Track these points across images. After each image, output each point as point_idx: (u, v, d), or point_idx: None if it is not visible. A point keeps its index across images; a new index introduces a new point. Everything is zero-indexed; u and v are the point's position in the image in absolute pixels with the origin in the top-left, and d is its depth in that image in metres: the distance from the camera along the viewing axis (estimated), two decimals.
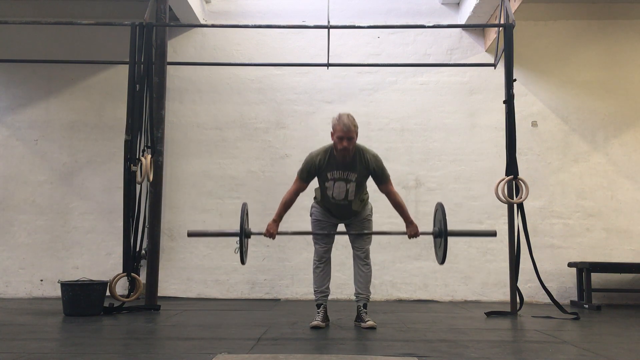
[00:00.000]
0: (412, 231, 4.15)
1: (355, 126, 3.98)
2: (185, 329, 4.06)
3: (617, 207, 6.36)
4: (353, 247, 4.25)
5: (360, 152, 4.07)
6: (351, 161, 4.04)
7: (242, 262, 4.07)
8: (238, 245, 3.99)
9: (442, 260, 4.11)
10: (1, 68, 6.71)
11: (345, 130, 3.91)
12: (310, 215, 4.33)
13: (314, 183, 4.20)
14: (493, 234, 4.42)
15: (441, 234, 4.05)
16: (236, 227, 4.01)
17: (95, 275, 5.93)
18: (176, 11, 6.32)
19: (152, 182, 5.25)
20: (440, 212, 4.10)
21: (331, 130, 4.03)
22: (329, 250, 4.24)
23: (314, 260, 4.25)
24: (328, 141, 6.50)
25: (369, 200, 4.34)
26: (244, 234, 4.00)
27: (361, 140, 6.39)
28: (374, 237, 4.34)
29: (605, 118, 6.49)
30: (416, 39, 6.68)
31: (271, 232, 4.08)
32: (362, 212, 4.25)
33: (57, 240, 6.48)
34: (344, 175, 4.05)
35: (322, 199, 4.20)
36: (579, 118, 6.50)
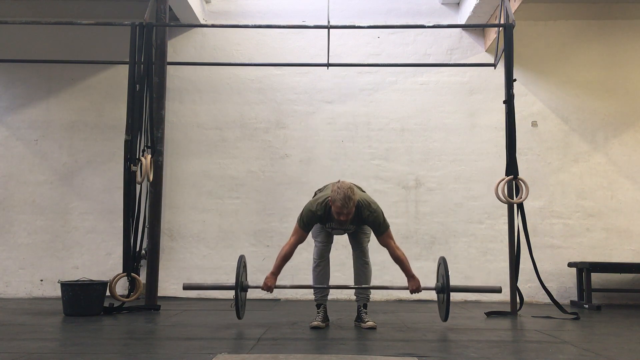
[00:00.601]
0: (414, 286, 4.08)
1: (354, 202, 3.84)
2: (185, 329, 4.05)
3: (617, 207, 6.36)
4: (352, 247, 4.25)
5: (359, 210, 3.98)
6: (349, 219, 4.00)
7: (238, 317, 4.05)
8: (234, 301, 3.96)
9: (445, 317, 4.07)
10: (1, 68, 6.71)
11: (342, 210, 3.83)
12: None
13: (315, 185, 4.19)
14: (498, 290, 4.29)
15: (444, 290, 4.03)
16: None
17: (95, 275, 5.93)
18: (176, 11, 6.32)
19: (152, 182, 5.25)
20: (442, 267, 4.08)
21: (329, 197, 3.92)
22: (329, 249, 4.24)
23: (313, 259, 4.25)
24: (328, 141, 6.53)
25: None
26: (240, 288, 3.98)
27: (361, 140, 6.49)
28: (373, 237, 4.34)
29: (605, 118, 6.49)
30: (416, 39, 6.68)
31: (269, 286, 4.03)
32: None
33: (57, 240, 6.48)
34: (342, 227, 4.08)
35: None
36: (579, 118, 6.50)
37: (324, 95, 6.61)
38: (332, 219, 4.01)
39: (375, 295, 5.61)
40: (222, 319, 4.66)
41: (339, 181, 3.97)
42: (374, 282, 4.38)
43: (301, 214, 4.07)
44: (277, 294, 6.29)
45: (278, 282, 4.08)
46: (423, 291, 6.24)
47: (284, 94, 6.63)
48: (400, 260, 4.06)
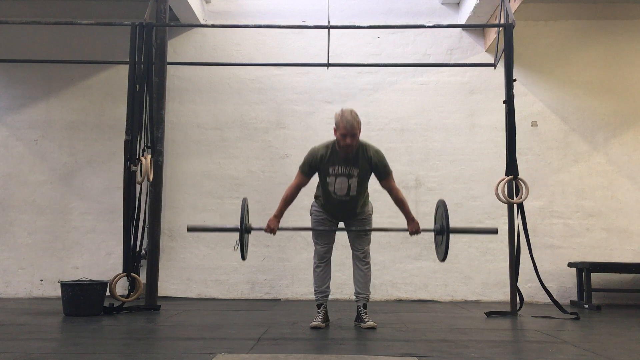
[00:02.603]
0: (414, 228, 4.12)
1: (359, 122, 3.95)
2: (185, 329, 4.06)
3: (617, 207, 6.36)
4: (352, 248, 4.25)
5: (363, 148, 4.05)
6: (353, 157, 4.03)
7: (243, 257, 4.06)
8: (238, 241, 3.98)
9: (443, 257, 4.10)
10: (1, 68, 6.71)
11: (348, 128, 3.89)
12: (310, 215, 4.31)
13: (315, 179, 4.18)
14: (494, 231, 4.42)
15: (443, 231, 4.04)
16: (237, 224, 3.99)
17: (95, 275, 5.93)
18: (176, 11, 6.32)
19: (152, 182, 5.25)
20: (442, 209, 4.09)
21: (334, 126, 3.99)
22: (329, 251, 4.23)
23: (314, 260, 4.24)
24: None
25: (369, 200, 4.32)
26: (244, 229, 3.99)
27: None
28: (373, 237, 4.34)
29: (605, 118, 6.49)
30: (416, 39, 6.68)
31: (272, 228, 4.06)
32: (362, 212, 4.24)
33: (57, 240, 6.48)
34: (346, 171, 4.03)
35: (324, 196, 4.18)
36: (579, 118, 6.50)
37: (324, 95, 6.62)
38: (335, 160, 4.02)
39: (375, 295, 5.62)
40: (222, 319, 4.67)
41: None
42: (373, 282, 4.37)
43: (303, 160, 4.11)
44: (277, 294, 6.30)
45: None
46: (423, 291, 6.32)
47: (284, 94, 6.63)
48: (401, 203, 4.14)
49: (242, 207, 4.03)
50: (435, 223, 4.23)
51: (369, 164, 4.06)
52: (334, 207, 4.18)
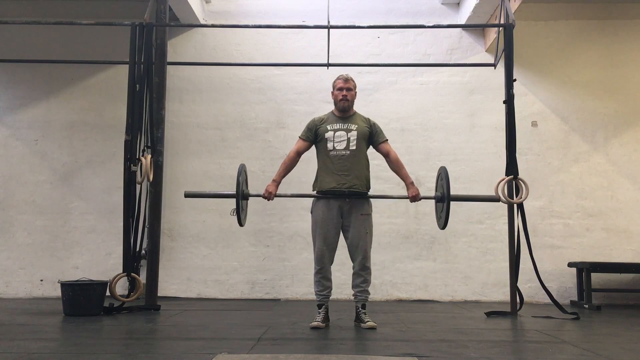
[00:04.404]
0: (413, 193, 4.18)
1: (354, 81, 4.26)
2: (185, 329, 4.06)
3: (617, 207, 6.36)
4: (353, 253, 4.16)
5: (359, 114, 4.30)
6: (350, 117, 4.22)
7: (240, 224, 4.14)
8: (235, 208, 4.00)
9: (443, 225, 4.18)
10: (1, 68, 6.71)
11: (344, 80, 4.20)
12: (311, 213, 4.28)
13: (313, 175, 4.16)
14: (496, 199, 4.56)
15: (443, 199, 4.06)
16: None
17: (95, 275, 5.94)
18: (176, 11, 6.32)
19: (152, 182, 5.25)
20: (443, 176, 4.13)
21: (331, 90, 4.27)
22: (331, 255, 4.15)
23: (315, 266, 4.19)
24: None
25: (369, 200, 4.30)
26: (240, 196, 4.01)
27: None
28: (373, 237, 4.32)
29: (605, 118, 6.49)
30: (416, 39, 6.68)
31: (270, 192, 4.12)
32: (362, 205, 4.16)
33: (57, 240, 6.48)
34: (344, 126, 4.17)
35: (324, 166, 4.15)
36: (579, 118, 6.50)
37: (324, 95, 6.57)
38: (333, 120, 4.20)
39: (375, 295, 5.62)
40: (222, 319, 4.67)
41: None
42: (373, 282, 4.37)
43: (303, 129, 4.29)
44: (277, 294, 6.30)
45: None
46: (423, 291, 6.32)
47: (284, 94, 6.63)
48: (399, 165, 4.24)
49: (239, 173, 4.09)
50: (436, 191, 4.26)
51: (367, 125, 4.23)
52: (334, 171, 4.10)
